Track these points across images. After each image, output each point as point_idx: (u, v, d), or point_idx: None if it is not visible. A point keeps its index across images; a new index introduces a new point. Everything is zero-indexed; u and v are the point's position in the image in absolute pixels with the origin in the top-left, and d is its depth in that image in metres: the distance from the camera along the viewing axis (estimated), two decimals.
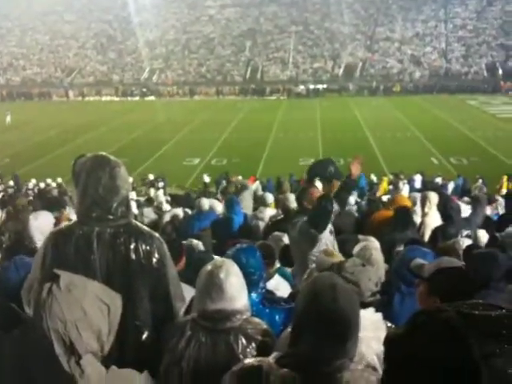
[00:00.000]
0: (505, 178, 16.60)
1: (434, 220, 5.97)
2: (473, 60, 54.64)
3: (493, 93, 46.69)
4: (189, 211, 8.10)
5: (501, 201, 9.05)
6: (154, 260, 2.28)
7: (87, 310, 1.71)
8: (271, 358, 1.70)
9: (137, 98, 52.18)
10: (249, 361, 1.79)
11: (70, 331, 1.67)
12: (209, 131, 31.21)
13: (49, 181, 18.40)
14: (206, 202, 6.97)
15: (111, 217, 2.24)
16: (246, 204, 7.99)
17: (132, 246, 2.24)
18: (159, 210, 9.41)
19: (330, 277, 1.80)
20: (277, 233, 5.19)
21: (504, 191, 13.66)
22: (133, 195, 13.65)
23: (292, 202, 6.48)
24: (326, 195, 4.02)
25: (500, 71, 51.60)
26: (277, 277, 3.83)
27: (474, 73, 52.91)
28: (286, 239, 4.86)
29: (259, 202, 7.89)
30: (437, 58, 56.05)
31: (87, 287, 1.78)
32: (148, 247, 2.27)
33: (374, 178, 17.32)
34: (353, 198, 9.14)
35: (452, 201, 6.34)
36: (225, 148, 26.90)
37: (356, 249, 3.68)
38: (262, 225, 6.50)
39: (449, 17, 62.12)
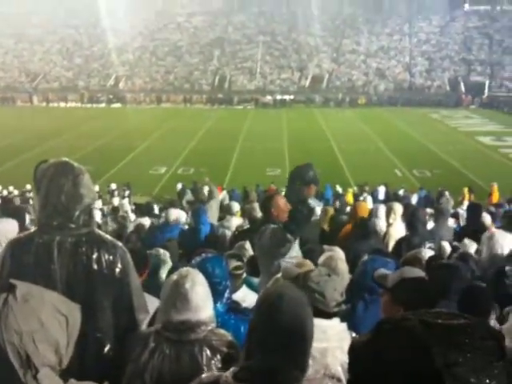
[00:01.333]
0: (466, 190, 17.07)
1: (398, 231, 6.06)
2: (436, 74, 56.16)
3: (455, 106, 48.04)
4: (155, 220, 8.02)
5: (462, 213, 9.28)
6: (117, 270, 2.23)
7: (44, 321, 1.65)
8: (228, 372, 1.67)
9: (103, 105, 51.50)
10: (206, 375, 1.77)
11: (27, 344, 1.61)
12: (176, 139, 31.03)
13: (11, 188, 17.86)
14: (174, 212, 6.91)
15: (73, 225, 2.18)
16: (213, 213, 7.96)
17: (94, 256, 2.18)
18: (124, 220, 9.27)
19: (280, 287, 1.79)
20: (242, 242, 5.16)
21: (466, 203, 14.00)
22: (98, 204, 13.43)
23: (259, 212, 6.50)
24: (302, 200, 4.04)
25: (462, 85, 53.18)
26: (244, 288, 3.81)
27: (437, 87, 54.36)
28: (251, 249, 4.83)
29: (225, 211, 7.86)
30: (401, 71, 57.37)
31: (45, 298, 1.72)
32: (111, 257, 2.22)
33: (339, 188, 17.51)
34: (318, 209, 9.18)
35: (419, 211, 6.44)
36: (192, 157, 26.76)
37: (321, 259, 3.69)
38: (228, 234, 6.47)
39: (413, 31, 63.75)
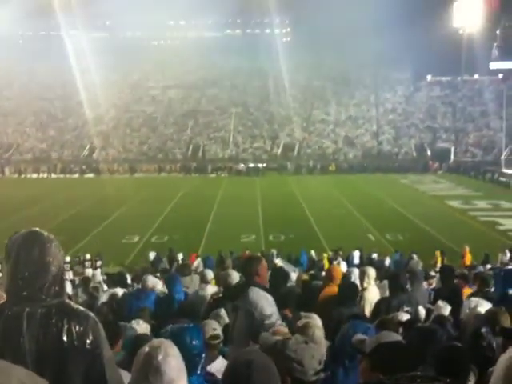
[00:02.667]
0: (438, 252, 17.28)
1: (372, 294, 6.05)
2: (403, 141, 58.13)
3: (423, 172, 49.43)
4: (128, 290, 7.83)
5: (435, 275, 9.34)
6: (88, 341, 2.15)
7: None
8: None
9: (76, 176, 51.36)
10: None
11: None
12: (149, 208, 30.90)
13: None
14: (150, 279, 6.79)
15: (43, 296, 2.12)
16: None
17: (65, 327, 2.11)
18: (96, 291, 9.04)
19: (248, 354, 1.76)
20: (218, 310, 5.08)
21: (439, 265, 14.14)
22: (69, 275, 13.11)
23: (234, 278, 6.44)
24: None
25: (428, 152, 55.03)
26: (220, 359, 3.71)
27: (405, 153, 56.13)
28: (226, 317, 4.75)
29: (200, 279, 7.75)
30: (369, 139, 59.26)
31: (11, 373, 1.64)
32: (82, 328, 2.15)
33: (313, 254, 17.51)
34: (294, 275, 9.16)
35: (401, 275, 6.47)
36: (166, 225, 26.60)
37: (298, 325, 3.64)
38: (203, 303, 6.35)
39: (379, 101, 66.48)
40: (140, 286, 6.91)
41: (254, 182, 43.74)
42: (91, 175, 51.28)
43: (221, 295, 6.22)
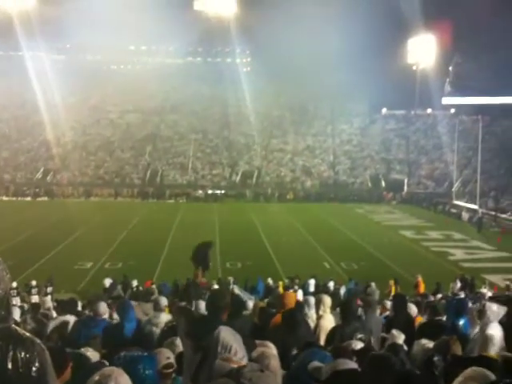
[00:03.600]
0: (392, 281, 17.56)
1: (328, 322, 6.07)
2: (358, 172, 59.43)
3: (377, 202, 50.53)
4: (78, 317, 7.57)
5: (389, 304, 9.45)
6: (34, 369, 2.06)
7: None
8: None
9: (29, 199, 49.89)
10: None
11: None
12: (104, 233, 30.26)
13: None
14: (103, 305, 6.58)
15: None
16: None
17: (10, 354, 2.02)
18: (45, 317, 8.70)
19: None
20: (173, 338, 4.97)
21: (392, 294, 14.33)
22: (17, 301, 12.59)
23: (200, 309, 6.33)
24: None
25: (383, 183, 56.42)
26: None
27: (360, 183, 57.37)
28: (181, 346, 4.64)
29: (153, 306, 7.58)
30: (326, 169, 60.32)
31: None
32: (28, 355, 2.05)
33: (270, 281, 17.49)
34: (251, 303, 9.09)
35: (352, 303, 6.51)
36: (121, 250, 26.08)
37: (254, 355, 3.60)
38: (156, 331, 6.20)
39: (336, 132, 68.02)
40: (91, 313, 6.69)
41: (212, 208, 43.63)
42: (45, 198, 49.91)
43: (175, 323, 6.10)
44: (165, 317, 6.63)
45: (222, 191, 53.07)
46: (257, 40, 73.86)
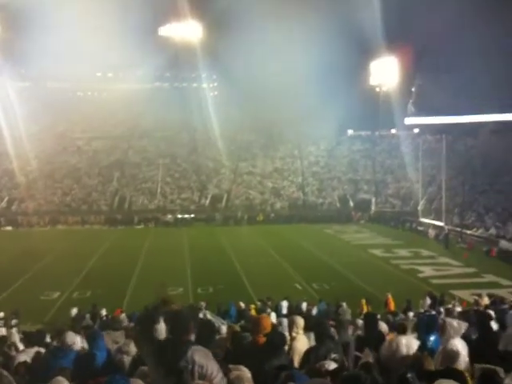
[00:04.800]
0: (363, 301, 17.69)
1: (301, 343, 6.07)
2: (326, 193, 60.06)
3: (346, 222, 51.02)
4: (46, 349, 7.37)
5: (361, 323, 9.53)
6: None
7: None
8: None
9: None
10: None
11: None
12: (71, 262, 29.56)
13: None
14: (70, 335, 6.42)
15: None
16: None
17: None
18: (12, 350, 8.43)
19: None
20: (143, 368, 4.88)
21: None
22: None
23: (161, 333, 6.24)
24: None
25: (351, 203, 57.13)
26: None
27: (329, 204, 57.93)
28: None
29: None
30: (295, 190, 60.77)
31: None
32: None
33: (242, 305, 17.38)
34: (224, 328, 9.04)
35: (325, 323, 6.55)
36: (89, 279, 25.51)
37: (230, 377, 3.60)
38: (127, 359, 6.09)
39: (303, 154, 68.81)
40: (59, 344, 6.51)
41: (182, 233, 43.30)
42: (9, 228, 48.64)
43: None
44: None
45: (192, 215, 52.77)
46: (223, 65, 74.68)
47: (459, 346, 4.79)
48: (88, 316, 15.68)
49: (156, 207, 55.78)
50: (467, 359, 4.60)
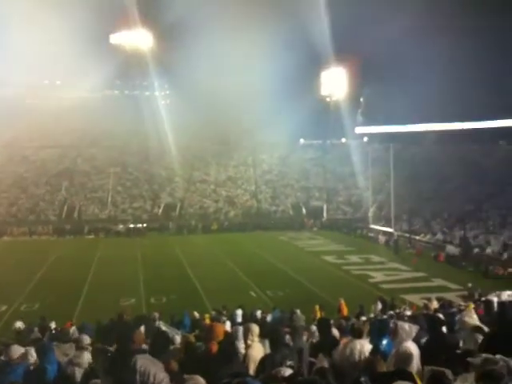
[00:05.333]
0: (317, 307, 17.89)
1: (257, 351, 6.09)
2: (280, 200, 60.57)
3: (299, 229, 51.55)
4: None
5: (315, 329, 9.63)
6: None
7: None
8: None
9: None
10: None
11: None
12: (18, 274, 28.51)
13: None
14: (16, 349, 6.19)
15: None
16: None
17: None
18: None
19: None
20: (95, 381, 4.78)
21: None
22: None
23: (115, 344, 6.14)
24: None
25: (303, 210, 57.82)
26: None
27: (282, 211, 58.43)
28: None
29: (75, 345, 7.24)
30: (248, 198, 60.97)
31: None
32: None
33: (196, 314, 17.23)
34: (178, 338, 8.94)
35: (280, 331, 6.59)
36: (37, 291, 24.69)
37: None
38: (79, 371, 5.93)
39: (257, 163, 69.21)
40: (6, 359, 6.27)
41: (134, 242, 42.58)
42: None
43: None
44: (87, 356, 6.36)
45: (144, 224, 51.94)
46: (175, 74, 74.26)
47: (411, 348, 4.92)
48: (36, 329, 15.15)
49: (107, 217, 54.66)
50: (419, 361, 4.74)
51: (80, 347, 6.48)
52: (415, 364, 4.65)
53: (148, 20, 70.57)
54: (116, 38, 74.61)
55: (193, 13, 62.36)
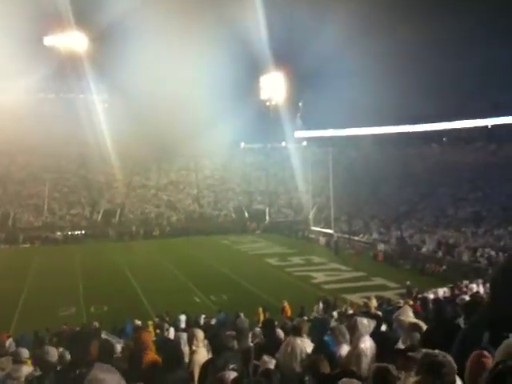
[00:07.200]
0: (260, 309, 18.06)
1: (202, 356, 6.08)
2: (222, 204, 60.57)
3: (242, 232, 51.71)
4: None
5: (258, 331, 9.74)
6: None
7: None
8: None
9: None
10: None
11: None
12: None
13: None
14: None
15: None
16: None
17: None
18: None
19: None
20: None
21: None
22: None
23: (52, 355, 5.97)
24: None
25: (246, 213, 58.09)
26: None
27: (224, 215, 58.44)
28: None
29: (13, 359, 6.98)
30: (190, 202, 60.57)
31: None
32: None
33: (138, 322, 16.95)
34: (119, 346, 8.80)
35: (222, 334, 6.58)
36: None
37: None
38: None
39: (198, 167, 68.88)
40: None
41: (73, 250, 41.27)
42: None
43: (37, 374, 5.70)
44: (26, 369, 6.14)
45: (83, 232, 50.50)
46: (112, 76, 72.58)
47: (369, 343, 5.07)
48: None
49: (43, 224, 52.66)
50: (374, 356, 4.90)
51: (19, 361, 6.25)
52: (371, 359, 4.80)
53: (83, 23, 68.90)
54: (50, 40, 72.24)
55: (129, 17, 61.56)
